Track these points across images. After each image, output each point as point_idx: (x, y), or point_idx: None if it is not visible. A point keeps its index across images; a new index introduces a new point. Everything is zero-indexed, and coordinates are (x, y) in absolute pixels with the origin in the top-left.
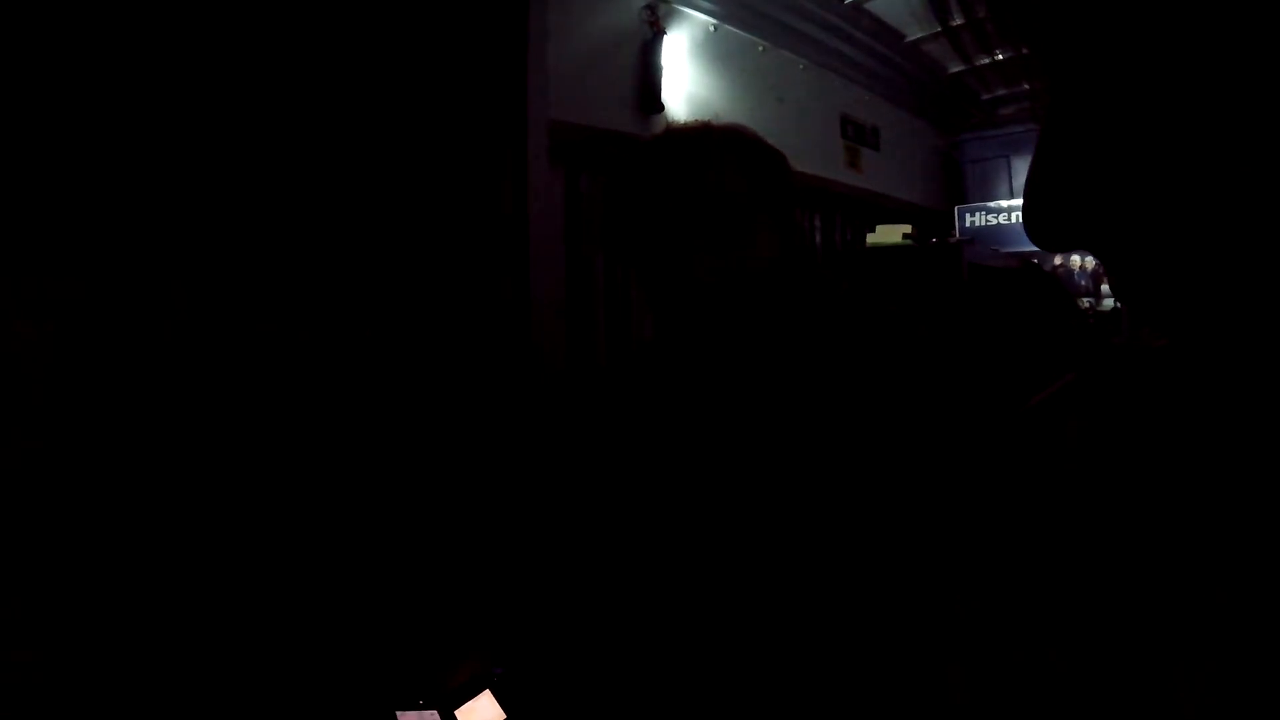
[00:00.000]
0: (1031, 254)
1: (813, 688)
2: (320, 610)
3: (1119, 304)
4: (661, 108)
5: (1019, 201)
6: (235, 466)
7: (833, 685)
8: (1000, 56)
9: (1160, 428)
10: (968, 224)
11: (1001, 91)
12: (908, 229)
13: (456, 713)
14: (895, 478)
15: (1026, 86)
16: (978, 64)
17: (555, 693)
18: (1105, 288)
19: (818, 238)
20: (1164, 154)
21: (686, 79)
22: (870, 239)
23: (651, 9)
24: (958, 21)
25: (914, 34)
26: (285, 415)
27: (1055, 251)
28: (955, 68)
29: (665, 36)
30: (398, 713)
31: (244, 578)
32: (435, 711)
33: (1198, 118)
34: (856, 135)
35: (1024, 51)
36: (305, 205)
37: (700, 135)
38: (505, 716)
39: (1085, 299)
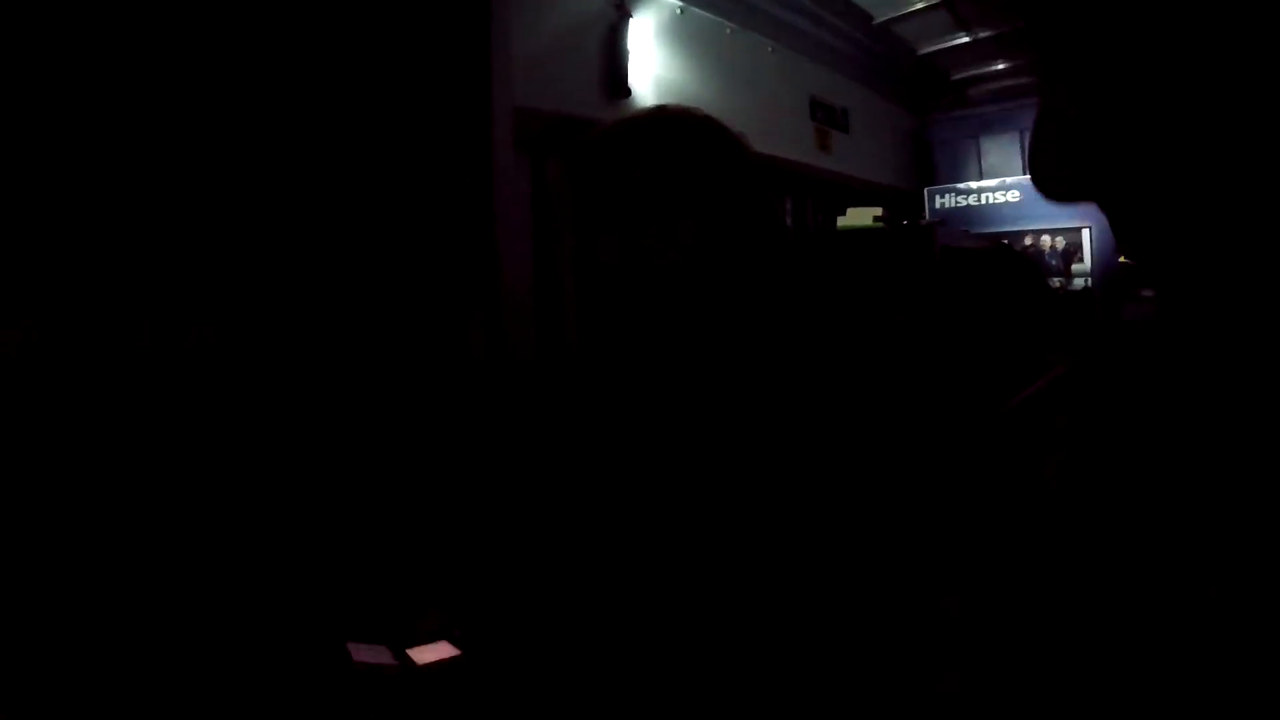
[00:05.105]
0: (1002, 235)
1: (806, 691)
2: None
3: (1089, 282)
4: (629, 92)
5: (990, 182)
6: (225, 448)
7: (825, 688)
8: (967, 39)
9: (1153, 426)
10: (937, 205)
11: (971, 72)
12: (879, 211)
13: (410, 651)
14: (884, 474)
15: (999, 66)
16: (948, 44)
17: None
18: (1075, 267)
19: (789, 220)
20: (1163, 104)
21: (654, 62)
22: (841, 222)
23: None
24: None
25: (883, 15)
26: (270, 403)
27: (1061, 203)
28: (925, 49)
29: (631, 19)
30: (349, 644)
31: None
32: (385, 647)
33: (1195, 69)
34: (826, 117)
35: (1019, 25)
36: (261, 200)
37: (632, 125)
38: (459, 653)
39: (1056, 278)
